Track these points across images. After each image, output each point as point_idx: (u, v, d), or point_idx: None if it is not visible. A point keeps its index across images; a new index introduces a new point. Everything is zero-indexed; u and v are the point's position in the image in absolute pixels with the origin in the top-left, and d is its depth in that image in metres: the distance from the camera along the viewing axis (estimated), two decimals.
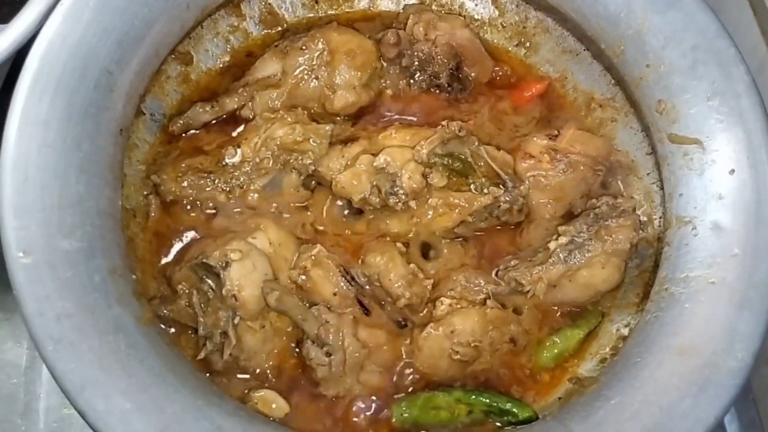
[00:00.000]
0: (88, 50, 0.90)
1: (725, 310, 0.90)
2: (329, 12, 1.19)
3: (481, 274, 1.02)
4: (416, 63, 1.12)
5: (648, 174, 1.08)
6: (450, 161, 1.01)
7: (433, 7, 1.18)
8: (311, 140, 1.04)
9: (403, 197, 0.99)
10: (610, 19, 1.04)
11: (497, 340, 0.98)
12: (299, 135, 1.03)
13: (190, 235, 1.02)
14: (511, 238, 1.07)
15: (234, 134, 1.07)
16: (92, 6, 0.91)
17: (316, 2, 1.18)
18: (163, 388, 0.83)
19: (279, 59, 1.08)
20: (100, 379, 0.80)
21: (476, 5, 1.19)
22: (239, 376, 0.96)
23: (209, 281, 0.95)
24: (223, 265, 0.93)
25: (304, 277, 0.97)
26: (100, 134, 0.91)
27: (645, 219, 1.06)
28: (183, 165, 1.03)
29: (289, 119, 1.04)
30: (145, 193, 1.02)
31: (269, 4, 1.15)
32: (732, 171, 0.95)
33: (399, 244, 1.01)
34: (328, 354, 0.94)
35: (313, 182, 1.05)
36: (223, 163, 1.03)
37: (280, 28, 1.17)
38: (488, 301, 0.99)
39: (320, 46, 1.07)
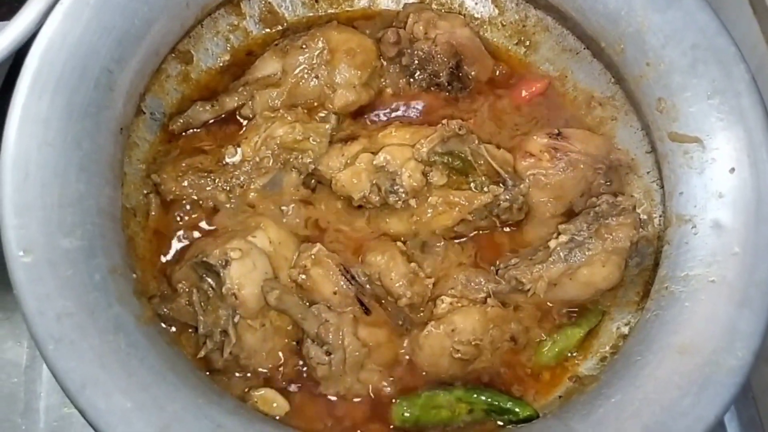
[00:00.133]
0: (88, 49, 0.90)
1: (725, 309, 0.90)
2: (329, 11, 1.19)
3: (481, 273, 1.02)
4: (416, 62, 1.12)
5: (648, 172, 1.08)
6: (450, 160, 1.01)
7: (433, 6, 1.18)
8: (311, 139, 1.04)
9: (403, 196, 0.99)
10: (610, 18, 1.04)
11: (498, 339, 0.98)
12: (299, 134, 1.03)
13: (190, 234, 1.02)
14: (512, 236, 1.07)
15: (234, 133, 1.07)
16: (92, 4, 0.91)
17: (316, 1, 1.18)
18: (164, 387, 0.83)
19: (279, 58, 1.08)
20: (101, 378, 0.80)
21: (476, 4, 1.19)
22: (239, 374, 0.96)
23: (209, 280, 0.95)
24: (223, 263, 0.93)
25: (304, 276, 0.97)
26: (101, 133, 0.91)
27: (645, 217, 1.06)
28: (183, 164, 1.03)
29: (289, 118, 1.04)
30: (145, 192, 1.02)
31: (269, 2, 1.15)
32: (732, 169, 0.95)
33: (399, 243, 1.01)
34: (328, 353, 0.94)
35: (314, 181, 1.05)
36: (224, 162, 1.03)
37: (280, 27, 1.17)
38: (489, 300, 0.99)
39: (320, 44, 1.07)
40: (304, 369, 0.97)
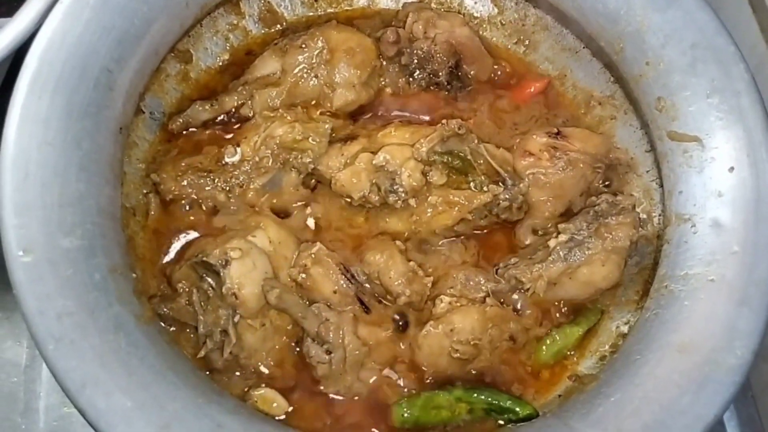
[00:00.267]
0: (88, 48, 0.90)
1: (725, 308, 0.90)
2: (328, 10, 1.19)
3: (480, 272, 1.02)
4: (416, 61, 1.12)
5: (647, 171, 1.08)
6: (449, 159, 1.01)
7: (433, 5, 1.18)
8: (311, 139, 1.04)
9: (403, 195, 0.99)
10: (609, 17, 1.04)
11: (497, 338, 0.98)
12: (299, 133, 1.03)
13: (189, 233, 1.02)
14: (511, 235, 1.07)
15: (233, 133, 1.07)
16: (92, 4, 0.91)
17: (316, 0, 1.18)
18: (164, 386, 0.82)
19: (278, 57, 1.08)
20: (101, 378, 0.80)
21: (475, 3, 1.20)
22: (239, 374, 0.96)
23: (209, 279, 0.95)
24: (223, 263, 0.93)
25: (304, 275, 0.97)
26: (100, 132, 0.91)
27: (644, 216, 1.06)
28: (183, 164, 1.03)
29: (288, 118, 1.04)
30: (145, 191, 1.02)
31: (268, 2, 1.15)
32: (731, 168, 0.95)
33: (398, 242, 1.01)
34: (328, 352, 0.94)
35: (313, 181, 1.05)
36: (223, 161, 1.03)
37: (279, 27, 1.17)
38: (488, 299, 0.99)
39: (320, 44, 1.07)
40: (305, 368, 0.97)
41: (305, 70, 1.07)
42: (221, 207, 1.03)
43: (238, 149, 1.03)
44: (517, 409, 0.97)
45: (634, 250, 1.03)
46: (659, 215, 1.05)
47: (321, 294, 0.97)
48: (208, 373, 0.95)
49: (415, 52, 1.11)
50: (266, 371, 0.96)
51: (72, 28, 0.90)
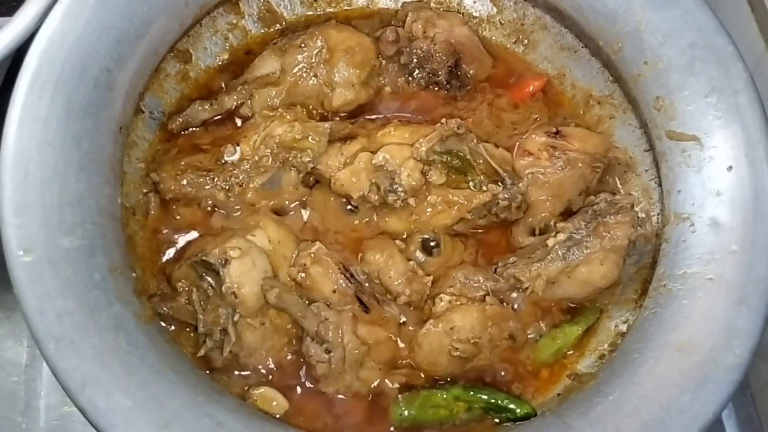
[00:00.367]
0: (88, 48, 0.90)
1: (723, 307, 0.90)
2: (328, 10, 1.19)
3: (480, 271, 1.02)
4: (415, 60, 1.12)
5: (646, 171, 1.08)
6: (449, 159, 1.01)
7: (432, 5, 1.18)
8: (310, 138, 1.04)
9: (402, 195, 1.00)
10: (608, 16, 1.04)
11: (496, 337, 0.98)
12: (298, 133, 1.03)
13: (189, 233, 1.02)
14: (510, 235, 1.07)
15: (233, 132, 1.07)
16: (91, 4, 0.91)
17: (315, 0, 1.18)
18: (164, 385, 0.83)
19: (278, 57, 1.08)
20: (101, 377, 0.80)
21: (474, 2, 1.20)
22: (239, 373, 0.96)
23: (209, 279, 0.95)
24: (223, 262, 0.93)
25: (303, 274, 0.97)
26: (100, 132, 0.91)
27: (643, 215, 1.06)
28: (182, 163, 1.03)
29: (288, 117, 1.05)
30: (145, 191, 1.02)
31: (268, 1, 1.16)
32: (730, 168, 0.95)
33: (398, 242, 1.01)
34: (328, 351, 0.94)
35: (312, 180, 1.05)
36: (222, 161, 1.03)
37: (278, 26, 1.17)
38: (487, 298, 0.99)
39: (319, 43, 1.07)
40: (304, 367, 0.97)
41: (304, 70, 1.07)
42: (221, 206, 1.03)
43: (238, 148, 1.04)
44: (515, 408, 0.97)
45: (633, 249, 1.03)
46: (658, 214, 1.05)
47: (320, 293, 0.97)
48: (207, 372, 0.95)
49: (414, 51, 1.11)
50: (266, 370, 0.97)
51: (72, 28, 0.90)
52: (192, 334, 0.97)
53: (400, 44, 1.11)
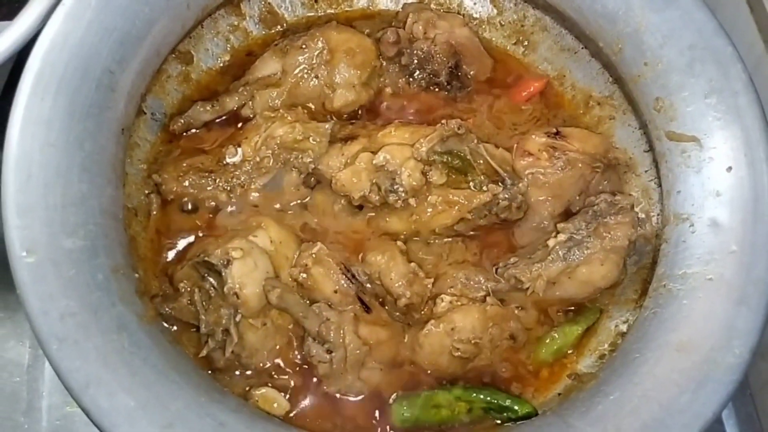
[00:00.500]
0: (90, 50, 0.90)
1: (723, 307, 0.90)
2: (328, 11, 1.19)
3: (481, 272, 1.02)
4: (415, 61, 1.12)
5: (646, 171, 1.08)
6: (449, 159, 1.01)
7: (432, 6, 1.18)
8: (311, 139, 1.04)
9: (403, 195, 1.00)
10: (608, 18, 1.04)
11: (497, 337, 0.99)
12: (299, 134, 1.03)
13: (191, 233, 1.03)
14: (510, 235, 1.07)
15: (234, 133, 1.07)
16: (94, 6, 0.91)
17: (316, 1, 1.19)
18: (167, 386, 0.83)
19: (279, 58, 1.08)
20: (104, 377, 0.80)
21: (475, 4, 1.20)
22: (241, 373, 0.96)
23: (211, 279, 0.96)
24: (225, 263, 0.93)
25: (305, 274, 0.97)
26: (102, 133, 0.92)
27: (643, 216, 1.06)
28: (184, 164, 1.03)
29: (289, 118, 1.05)
30: (147, 192, 1.03)
31: (269, 3, 1.16)
32: (729, 168, 0.96)
33: (399, 243, 1.02)
34: (329, 351, 0.94)
35: (313, 180, 1.06)
36: (224, 162, 1.04)
37: (279, 27, 1.17)
38: (488, 298, 0.99)
39: (320, 45, 1.07)
40: (306, 367, 0.98)
41: (306, 71, 1.08)
42: (222, 207, 1.03)
43: (239, 149, 1.04)
44: (516, 407, 0.98)
45: (633, 250, 1.03)
46: (658, 215, 1.05)
47: (322, 293, 0.97)
48: (210, 372, 0.95)
49: (414, 52, 1.12)
50: (267, 370, 0.97)
51: (74, 30, 0.90)
52: (194, 335, 0.97)
53: (400, 45, 1.11)
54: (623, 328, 1.02)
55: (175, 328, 0.97)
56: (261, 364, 0.96)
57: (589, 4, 1.05)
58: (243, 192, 1.03)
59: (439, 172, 1.01)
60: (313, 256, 0.97)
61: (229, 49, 1.14)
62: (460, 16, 1.16)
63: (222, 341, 0.94)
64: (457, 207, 1.01)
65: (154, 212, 1.02)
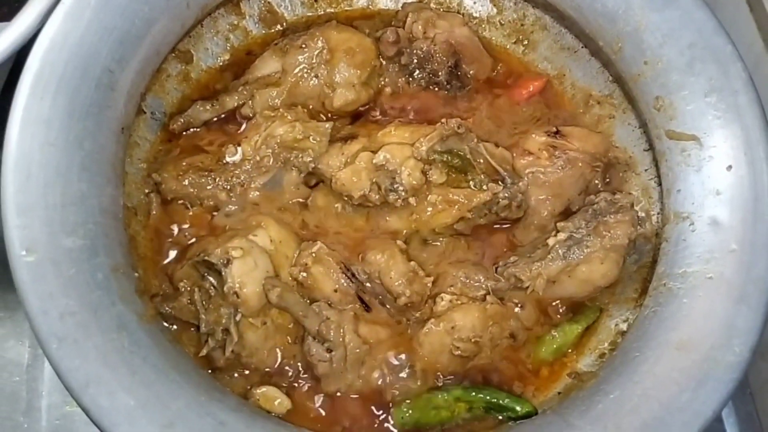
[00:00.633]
0: (90, 49, 0.90)
1: (723, 306, 0.91)
2: (328, 10, 1.19)
3: (480, 271, 1.02)
4: (415, 61, 1.12)
5: (646, 170, 1.08)
6: (449, 158, 1.01)
7: (432, 5, 1.18)
8: (311, 138, 1.04)
9: (403, 194, 1.00)
10: (608, 17, 1.04)
11: (497, 336, 0.99)
12: (299, 133, 1.03)
13: (191, 233, 1.03)
14: (510, 234, 1.07)
15: (234, 132, 1.07)
16: (93, 5, 0.91)
17: (316, 1, 1.18)
18: (167, 385, 0.83)
19: (279, 57, 1.08)
20: (104, 376, 0.80)
21: (474, 3, 1.20)
22: (241, 372, 0.96)
23: (211, 278, 0.96)
24: (225, 262, 0.93)
25: (305, 274, 0.97)
26: (102, 133, 0.92)
27: (643, 215, 1.06)
28: (184, 163, 1.03)
29: (289, 117, 1.05)
30: (147, 191, 1.03)
31: (269, 2, 1.16)
32: (729, 167, 0.96)
33: (399, 242, 1.02)
34: (329, 350, 0.94)
35: (314, 180, 1.06)
36: (224, 161, 1.04)
37: (279, 27, 1.17)
38: (488, 297, 0.99)
39: (320, 44, 1.07)
40: (306, 366, 0.97)
41: (305, 70, 1.08)
42: (222, 206, 1.03)
43: (239, 149, 1.04)
44: (516, 407, 0.97)
45: (633, 249, 1.04)
46: (658, 213, 1.05)
47: (322, 293, 0.97)
48: (210, 371, 0.95)
49: (414, 52, 1.12)
50: (268, 369, 0.97)
51: (73, 29, 0.90)
52: (194, 334, 0.97)
53: (400, 45, 1.11)
54: (623, 326, 1.02)
55: (175, 327, 0.97)
56: (261, 363, 0.96)
57: (589, 3, 1.05)
58: (243, 191, 1.03)
59: (439, 171, 1.01)
60: (313, 255, 0.97)
61: (228, 48, 1.14)
62: (460, 16, 1.16)
63: (222, 340, 0.94)
64: (457, 206, 1.01)
65: (154, 211, 1.02)
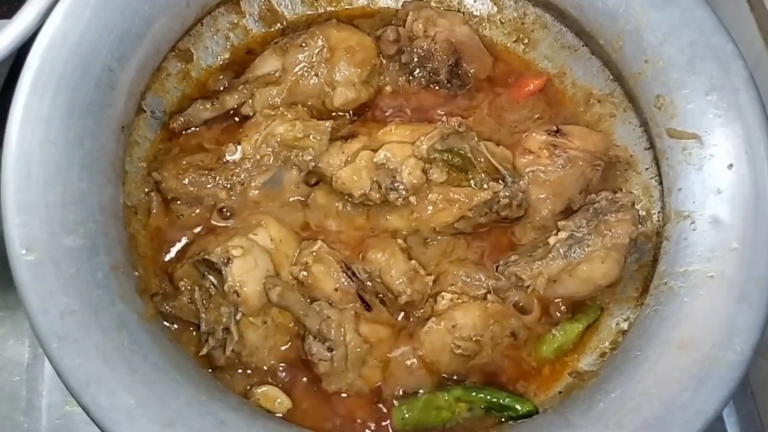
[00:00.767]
0: (90, 48, 0.90)
1: (724, 304, 0.91)
2: (328, 9, 1.19)
3: (481, 269, 1.02)
4: (415, 59, 1.12)
5: (647, 169, 1.08)
6: (450, 157, 1.01)
7: (432, 4, 1.18)
8: (311, 137, 1.04)
9: (403, 193, 1.00)
10: (608, 15, 1.04)
11: (498, 335, 0.98)
12: (299, 132, 1.03)
13: (191, 232, 1.02)
14: (511, 233, 1.07)
15: (234, 131, 1.07)
16: (93, 3, 0.91)
17: None
18: (167, 384, 0.83)
19: (279, 56, 1.08)
20: (105, 375, 0.80)
21: (475, 1, 1.20)
22: (241, 371, 0.96)
23: (211, 278, 0.95)
24: (225, 261, 0.93)
25: (305, 273, 0.97)
26: (102, 131, 0.91)
27: (644, 213, 1.06)
28: (184, 162, 1.03)
29: (289, 116, 1.05)
30: (147, 190, 1.03)
31: (269, 1, 1.16)
32: (730, 165, 0.96)
33: (400, 240, 1.02)
34: (330, 349, 0.94)
35: (314, 178, 1.06)
36: (224, 160, 1.03)
37: (279, 25, 1.17)
38: (489, 296, 0.99)
39: (320, 43, 1.07)
40: (307, 365, 0.97)
41: (305, 69, 1.08)
42: (223, 205, 1.03)
43: (239, 147, 1.04)
44: (517, 406, 0.97)
45: (634, 247, 1.04)
46: (658, 212, 1.05)
47: (322, 292, 0.97)
48: (210, 370, 0.95)
49: (415, 50, 1.11)
50: (268, 369, 0.97)
51: (73, 28, 0.90)
52: (194, 333, 0.97)
53: (400, 43, 1.11)
54: (624, 325, 1.02)
55: (175, 326, 0.97)
56: (261, 363, 0.96)
57: (590, 1, 1.05)
58: (243, 190, 1.03)
59: (439, 170, 1.01)
60: (314, 254, 0.97)
61: (228, 46, 1.14)
62: (460, 14, 1.16)
63: (222, 339, 0.94)
64: (457, 205, 1.01)
65: (154, 210, 1.02)
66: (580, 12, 1.08)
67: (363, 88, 1.10)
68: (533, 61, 1.18)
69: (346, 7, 1.19)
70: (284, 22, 1.17)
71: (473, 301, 0.98)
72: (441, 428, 0.98)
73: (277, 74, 1.08)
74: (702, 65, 0.99)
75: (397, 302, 0.98)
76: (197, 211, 1.03)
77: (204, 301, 0.95)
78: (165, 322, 0.95)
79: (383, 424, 0.97)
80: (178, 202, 1.02)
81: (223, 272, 0.93)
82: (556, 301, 1.04)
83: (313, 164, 1.04)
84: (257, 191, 1.03)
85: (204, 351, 0.94)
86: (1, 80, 1.06)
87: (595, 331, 1.04)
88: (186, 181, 1.02)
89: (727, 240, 0.94)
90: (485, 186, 1.01)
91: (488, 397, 0.98)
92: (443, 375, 0.99)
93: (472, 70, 1.14)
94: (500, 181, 1.02)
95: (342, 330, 0.94)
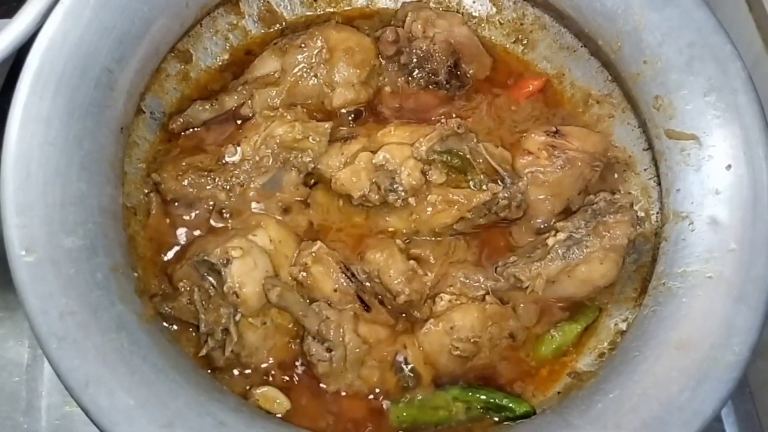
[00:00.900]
0: (89, 48, 0.90)
1: (722, 305, 0.91)
2: (327, 10, 1.19)
3: (480, 271, 1.02)
4: (415, 60, 1.12)
5: (645, 170, 1.09)
6: (449, 158, 1.01)
7: (431, 5, 1.18)
8: (311, 138, 1.04)
9: (403, 194, 1.00)
10: (607, 16, 1.04)
11: (496, 336, 0.99)
12: (299, 133, 1.03)
13: (190, 233, 1.02)
14: (510, 234, 1.07)
15: (234, 132, 1.07)
16: (92, 4, 0.91)
17: (315, 0, 1.18)
18: (166, 385, 0.83)
19: (278, 57, 1.08)
20: (104, 376, 0.80)
21: (474, 2, 1.20)
22: (240, 372, 0.96)
23: (210, 278, 0.95)
24: (224, 262, 0.93)
25: (304, 273, 0.97)
26: (101, 132, 0.92)
27: (642, 214, 1.06)
28: (183, 163, 1.03)
29: (288, 117, 1.05)
30: (146, 191, 1.02)
31: (268, 2, 1.16)
32: (729, 166, 0.96)
33: (398, 241, 1.02)
34: (329, 350, 0.94)
35: (313, 180, 1.06)
36: (223, 161, 1.03)
37: (278, 26, 1.17)
38: (487, 297, 1.00)
39: (319, 43, 1.07)
40: (306, 366, 0.98)
41: (305, 70, 1.08)
42: (222, 206, 1.03)
43: (239, 149, 1.04)
44: (514, 406, 0.98)
45: (632, 248, 1.04)
46: (657, 213, 1.05)
47: (321, 292, 0.97)
48: (209, 371, 0.95)
49: (414, 51, 1.11)
50: (267, 369, 0.97)
51: (73, 29, 0.90)
52: (194, 334, 0.97)
53: (399, 44, 1.11)
54: (623, 326, 1.02)
55: (174, 327, 0.97)
56: (261, 363, 0.96)
57: (588, 2, 1.05)
58: (242, 191, 1.03)
59: (438, 171, 1.01)
60: (313, 254, 0.97)
61: (228, 47, 1.14)
62: (459, 15, 1.16)
63: (222, 340, 0.94)
64: (456, 206, 1.01)
65: (154, 211, 1.02)
66: (579, 13, 1.08)
67: (362, 89, 1.10)
68: (532, 62, 1.18)
69: (345, 7, 1.19)
70: (283, 23, 1.17)
71: (472, 303, 0.99)
72: (438, 428, 0.98)
73: (276, 75, 1.08)
74: (701, 66, 0.99)
75: (395, 302, 0.98)
76: (196, 212, 1.03)
77: (203, 302, 0.95)
78: (164, 323, 0.95)
79: (381, 423, 0.97)
80: (177, 203, 1.02)
81: (223, 273, 0.93)
82: (554, 302, 1.04)
83: (313, 166, 1.04)
84: (256, 192, 1.03)
85: (203, 352, 0.94)
86: (0, 80, 1.06)
87: (593, 332, 1.04)
88: (185, 182, 1.02)
89: (726, 241, 0.94)
90: (484, 187, 1.01)
91: (485, 398, 0.98)
92: (441, 375, 0.99)
93: (471, 71, 1.14)
94: (499, 182, 1.02)
95: (341, 330, 0.94)
